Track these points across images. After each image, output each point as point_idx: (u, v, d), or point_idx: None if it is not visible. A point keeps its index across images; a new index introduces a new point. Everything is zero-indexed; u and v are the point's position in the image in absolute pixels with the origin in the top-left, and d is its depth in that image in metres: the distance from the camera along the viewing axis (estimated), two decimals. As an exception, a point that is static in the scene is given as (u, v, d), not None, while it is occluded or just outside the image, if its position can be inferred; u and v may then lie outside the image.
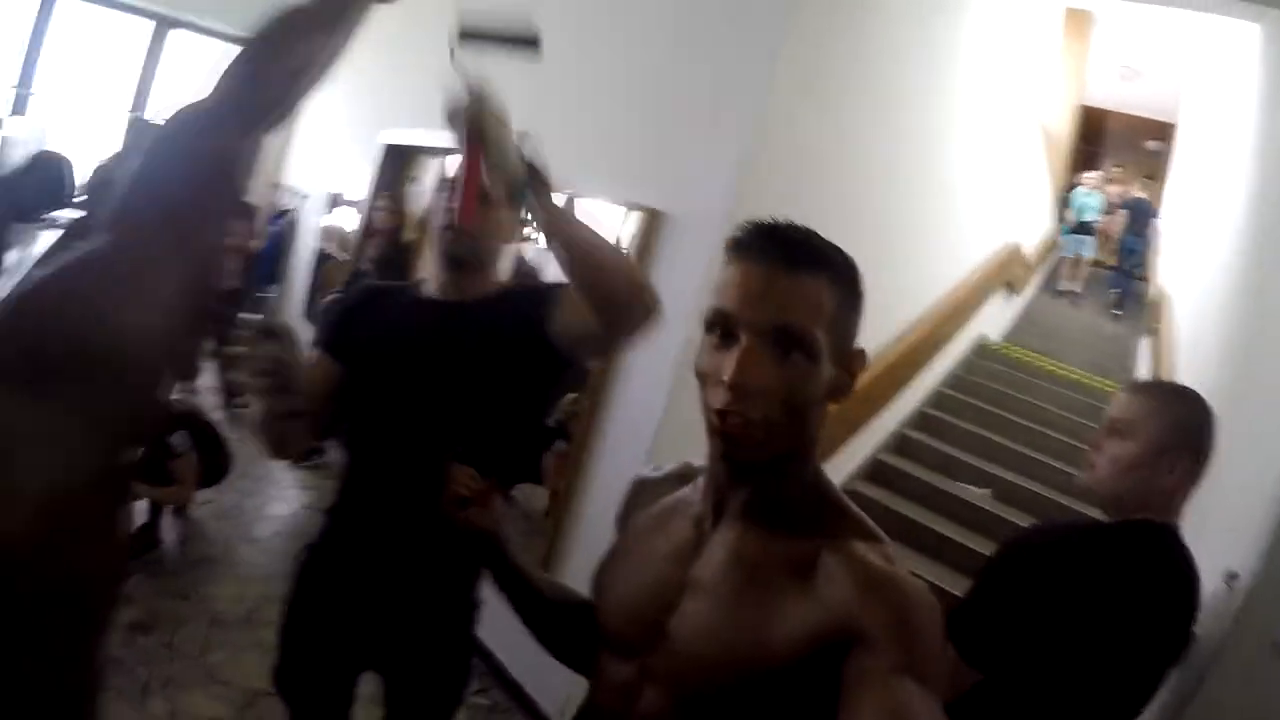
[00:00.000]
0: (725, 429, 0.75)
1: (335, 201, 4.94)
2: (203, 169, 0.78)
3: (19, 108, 5.58)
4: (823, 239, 0.78)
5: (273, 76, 0.85)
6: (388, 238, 4.16)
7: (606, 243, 1.29)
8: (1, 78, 5.59)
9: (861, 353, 0.81)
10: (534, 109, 2.70)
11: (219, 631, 2.78)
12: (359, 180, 4.49)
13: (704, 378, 0.78)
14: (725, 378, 0.73)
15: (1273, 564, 1.38)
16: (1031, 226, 6.87)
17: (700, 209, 2.15)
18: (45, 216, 2.86)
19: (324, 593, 1.50)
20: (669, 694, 0.80)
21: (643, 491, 0.99)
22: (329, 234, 4.95)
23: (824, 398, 0.78)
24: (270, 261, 5.66)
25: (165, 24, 6.07)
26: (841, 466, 3.40)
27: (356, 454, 1.50)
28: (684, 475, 0.95)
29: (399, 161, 4.23)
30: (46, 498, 0.65)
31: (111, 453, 0.72)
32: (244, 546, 3.43)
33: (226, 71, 0.85)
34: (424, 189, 3.97)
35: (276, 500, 3.86)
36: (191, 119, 0.81)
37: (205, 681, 2.52)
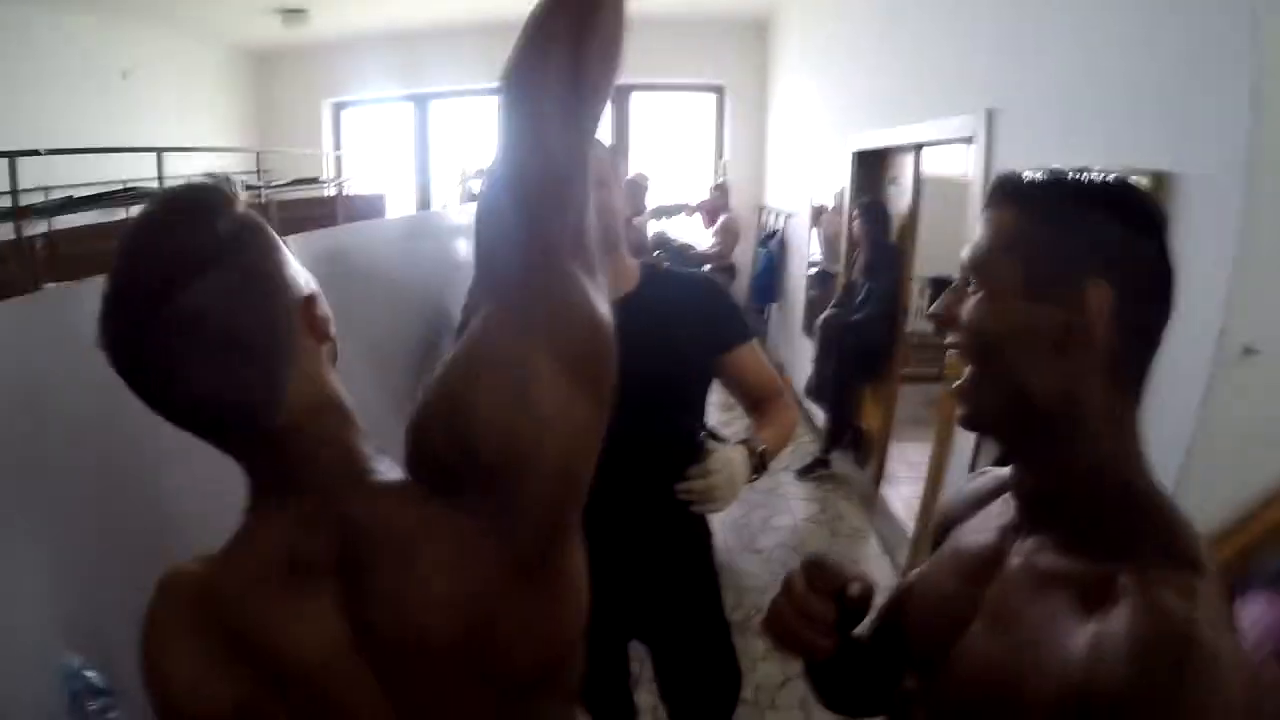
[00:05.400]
0: None
1: (819, 214, 5.06)
2: (534, 199, 0.64)
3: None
4: None
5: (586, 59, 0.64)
6: (869, 244, 4.21)
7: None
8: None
9: None
10: (1021, 76, 2.44)
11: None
12: (837, 189, 4.55)
13: None
14: None
15: None
16: None
17: (1213, 170, 1.70)
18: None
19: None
20: None
21: (964, 502, 0.88)
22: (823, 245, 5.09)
23: None
24: (767, 281, 6.21)
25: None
26: None
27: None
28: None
29: (874, 165, 4.20)
30: (456, 598, 0.63)
31: (526, 556, 0.65)
32: (747, 557, 3.58)
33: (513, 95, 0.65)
34: (904, 189, 3.90)
35: (782, 513, 3.98)
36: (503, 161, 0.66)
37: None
